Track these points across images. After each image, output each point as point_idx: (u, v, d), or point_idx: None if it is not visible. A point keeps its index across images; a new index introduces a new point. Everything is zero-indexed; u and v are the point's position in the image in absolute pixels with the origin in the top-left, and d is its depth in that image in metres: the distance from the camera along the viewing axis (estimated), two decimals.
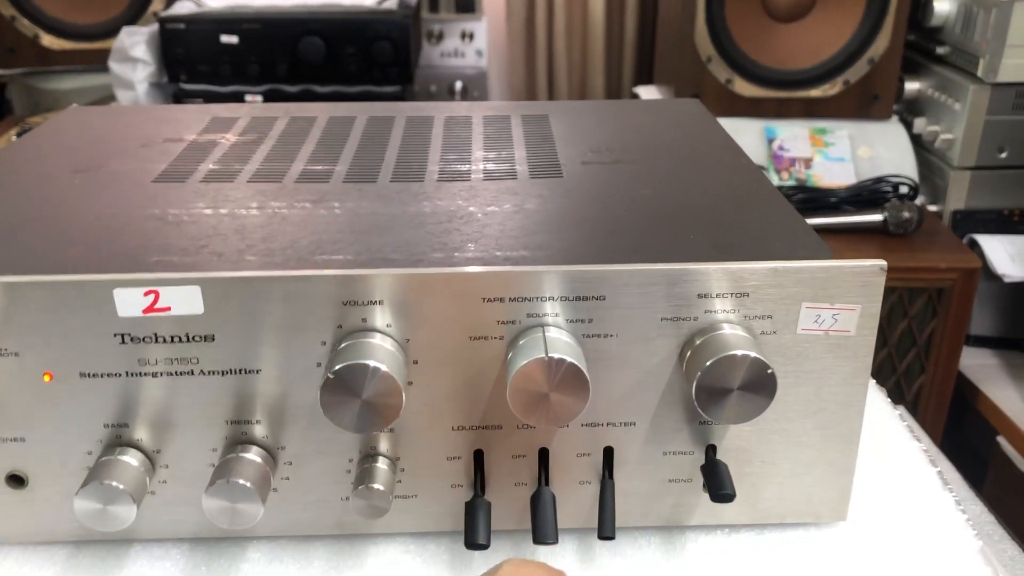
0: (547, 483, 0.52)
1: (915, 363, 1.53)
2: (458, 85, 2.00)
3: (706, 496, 0.53)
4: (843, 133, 1.80)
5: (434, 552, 0.53)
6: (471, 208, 0.57)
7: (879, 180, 1.66)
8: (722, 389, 0.46)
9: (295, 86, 1.80)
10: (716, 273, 0.47)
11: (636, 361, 0.49)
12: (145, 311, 0.47)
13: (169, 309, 0.47)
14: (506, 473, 0.52)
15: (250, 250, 0.51)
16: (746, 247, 0.51)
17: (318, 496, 0.52)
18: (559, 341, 0.47)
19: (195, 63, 1.80)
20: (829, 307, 0.48)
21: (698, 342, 0.48)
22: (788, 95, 1.79)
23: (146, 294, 0.47)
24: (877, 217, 1.56)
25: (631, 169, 0.64)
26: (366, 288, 0.47)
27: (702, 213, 0.56)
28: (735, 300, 0.48)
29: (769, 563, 0.52)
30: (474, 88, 2.00)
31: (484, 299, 0.48)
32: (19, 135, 1.83)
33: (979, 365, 1.64)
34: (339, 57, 1.79)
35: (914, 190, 1.62)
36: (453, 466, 0.52)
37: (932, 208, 1.70)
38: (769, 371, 0.46)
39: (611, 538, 0.50)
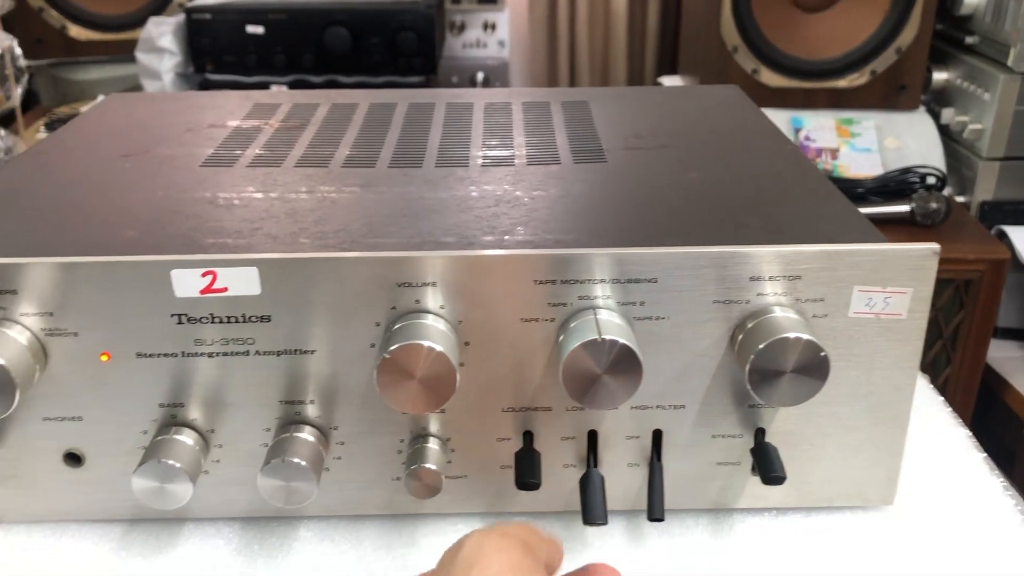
0: (596, 465, 0.52)
1: (942, 355, 1.53)
2: (480, 76, 2.00)
3: (753, 479, 0.53)
4: (870, 123, 1.79)
5: None
6: (517, 192, 0.57)
7: (906, 171, 1.65)
8: (775, 371, 0.46)
9: (320, 76, 1.81)
10: (768, 256, 0.47)
11: (686, 344, 0.49)
12: (202, 292, 0.47)
13: (226, 290, 0.47)
14: (555, 455, 0.52)
15: (303, 233, 0.51)
16: (797, 230, 0.51)
17: (370, 476, 0.52)
18: (611, 323, 0.47)
19: (221, 53, 1.81)
20: (881, 290, 0.48)
21: (750, 325, 0.48)
22: (814, 85, 1.78)
23: (204, 275, 0.47)
24: (904, 208, 1.55)
25: (675, 154, 0.64)
26: (420, 270, 0.47)
27: (750, 197, 0.56)
28: (787, 283, 0.48)
29: (816, 546, 0.52)
30: (496, 79, 2.00)
31: (536, 281, 0.48)
32: (47, 125, 1.85)
33: (1007, 357, 1.63)
34: (364, 47, 1.80)
35: (942, 181, 1.61)
36: (503, 447, 0.52)
37: (960, 199, 1.69)
38: (822, 354, 0.46)
39: (660, 520, 0.50)
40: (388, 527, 0.54)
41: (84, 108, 1.93)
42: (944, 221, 1.52)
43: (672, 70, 2.13)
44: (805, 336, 0.46)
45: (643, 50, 2.15)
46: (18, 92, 1.59)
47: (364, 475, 0.52)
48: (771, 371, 0.47)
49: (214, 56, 1.81)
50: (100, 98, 1.96)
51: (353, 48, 1.79)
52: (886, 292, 0.48)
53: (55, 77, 2.05)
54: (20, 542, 0.52)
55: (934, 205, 1.53)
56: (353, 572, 0.51)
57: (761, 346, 0.46)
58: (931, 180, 1.62)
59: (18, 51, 1.59)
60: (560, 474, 0.53)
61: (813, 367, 0.46)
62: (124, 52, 1.90)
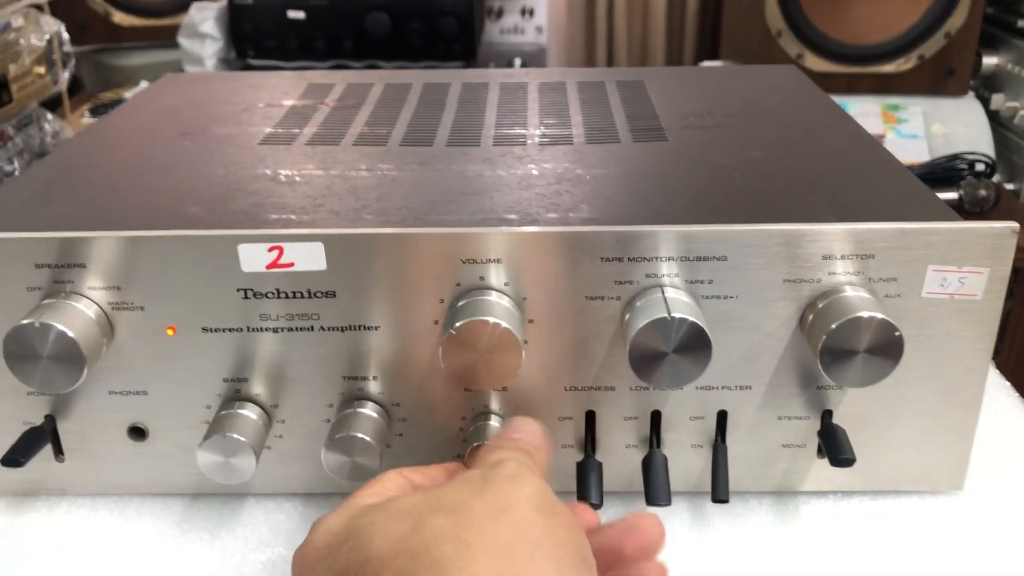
0: (659, 446, 0.52)
1: None
2: (517, 62, 1.99)
3: (819, 461, 0.52)
4: (916, 109, 1.76)
5: None
6: (578, 170, 0.57)
7: (954, 157, 1.62)
8: (848, 351, 0.46)
9: (360, 61, 1.81)
10: (841, 234, 0.46)
11: (755, 324, 0.49)
12: (268, 267, 0.47)
13: (292, 265, 0.47)
14: (617, 435, 0.52)
15: (366, 209, 0.51)
16: (867, 209, 0.50)
17: (431, 452, 0.52)
18: (679, 301, 0.46)
19: (262, 39, 1.82)
20: (956, 270, 0.47)
21: (821, 305, 0.47)
22: (860, 70, 1.75)
23: (270, 250, 0.47)
24: (952, 195, 1.53)
25: (737, 133, 0.63)
26: (484, 246, 0.47)
27: (817, 175, 0.55)
28: (859, 262, 0.47)
29: (882, 530, 0.51)
30: (533, 65, 1.99)
31: (602, 259, 0.47)
32: (91, 111, 1.86)
33: None
34: (404, 32, 1.79)
35: (991, 168, 1.58)
36: (564, 426, 0.52)
37: (1009, 187, 1.66)
38: (896, 333, 0.45)
39: (725, 501, 0.50)
40: None
41: (128, 94, 1.95)
42: (993, 209, 1.50)
43: (712, 55, 2.11)
44: (879, 315, 0.45)
45: (682, 35, 2.13)
46: (65, 76, 1.60)
47: (425, 452, 0.52)
48: (844, 351, 0.46)
49: (255, 41, 1.82)
50: (143, 84, 1.98)
51: (393, 33, 1.79)
52: (961, 272, 0.47)
53: (99, 63, 2.07)
54: (84, 514, 0.53)
55: (983, 192, 1.50)
56: None
57: (834, 326, 0.45)
58: (980, 167, 1.59)
59: (65, 36, 1.60)
60: (621, 455, 0.52)
61: (887, 347, 0.45)
62: (167, 38, 1.92)
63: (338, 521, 0.37)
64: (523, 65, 1.97)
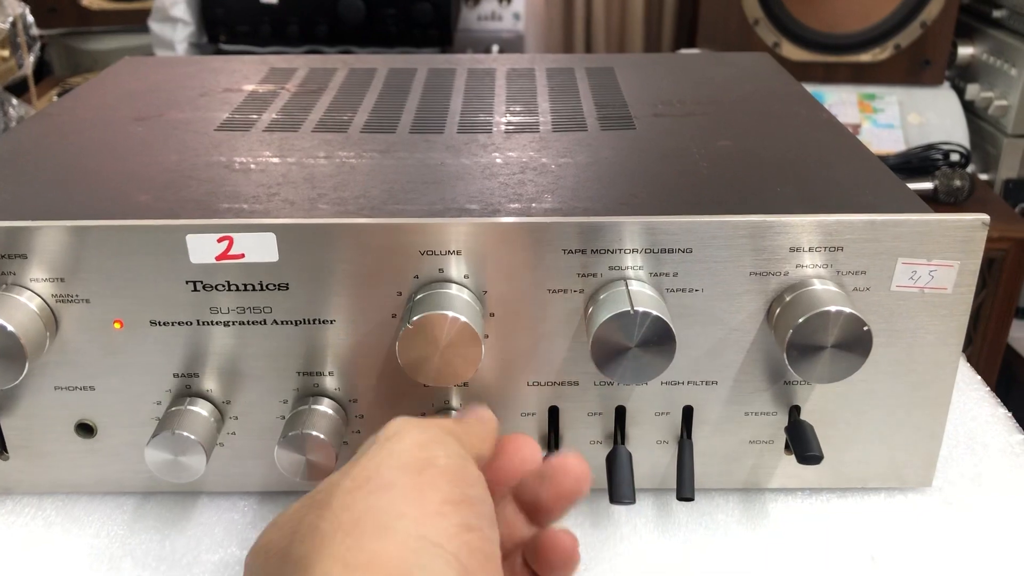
0: (623, 442, 0.50)
1: None
2: (495, 49, 1.98)
3: (786, 458, 0.51)
4: (892, 99, 1.76)
5: None
6: (544, 159, 0.55)
7: (929, 147, 1.62)
8: (815, 347, 0.44)
9: (334, 47, 1.79)
10: (809, 226, 0.45)
11: (721, 317, 0.47)
12: (218, 258, 0.46)
13: (243, 256, 0.46)
14: (581, 431, 0.51)
15: (322, 199, 0.49)
16: (836, 200, 0.49)
17: None
18: (643, 294, 0.45)
19: (234, 23, 1.79)
20: (926, 263, 0.46)
21: (788, 298, 0.46)
22: (837, 60, 1.75)
23: (220, 240, 0.45)
24: (927, 185, 1.52)
25: (706, 121, 0.62)
26: (443, 237, 0.46)
27: (786, 165, 0.54)
28: (828, 254, 0.46)
29: (851, 528, 0.50)
30: (511, 52, 1.97)
31: (564, 251, 0.46)
32: (60, 95, 1.83)
33: None
34: (379, 18, 1.77)
35: (965, 158, 1.58)
36: (527, 422, 0.50)
37: (984, 177, 1.66)
38: (865, 328, 0.44)
39: (690, 499, 0.49)
40: None
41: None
42: (968, 199, 1.50)
43: (690, 43, 2.10)
44: (847, 310, 0.44)
45: (660, 23, 2.12)
46: (30, 60, 1.57)
47: None
48: (811, 346, 0.45)
49: (227, 26, 1.79)
50: (127, 57, 1.94)
51: (367, 19, 1.76)
52: (932, 265, 0.46)
53: (68, 47, 2.03)
54: (31, 513, 0.51)
55: (958, 182, 1.50)
56: None
57: (801, 320, 0.44)
58: (955, 157, 1.59)
59: (30, 19, 1.57)
60: (585, 451, 0.51)
61: (855, 342, 0.44)
62: (137, 22, 1.88)
63: (257, 543, 0.36)
64: (501, 52, 1.95)
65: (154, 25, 1.78)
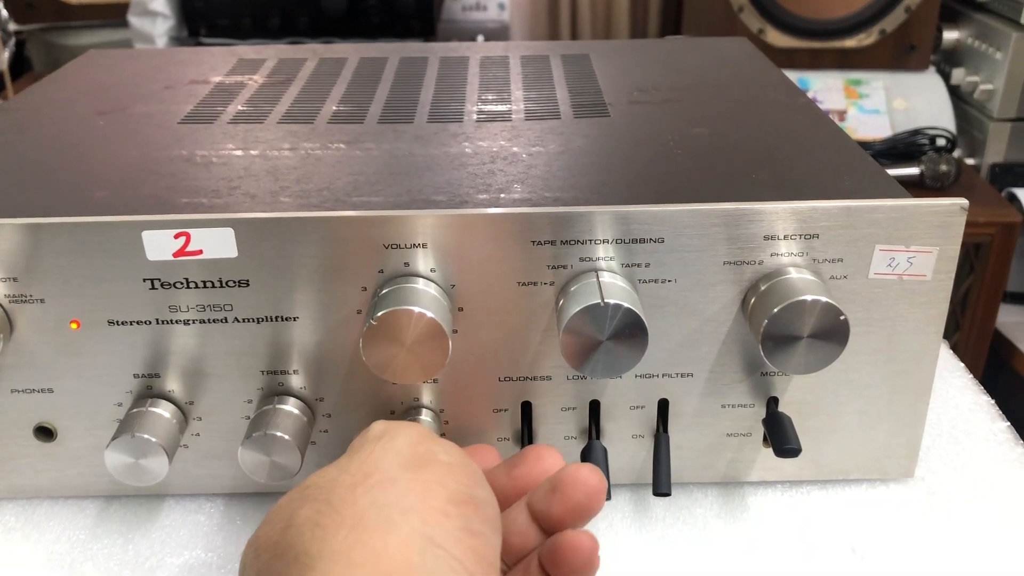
0: (598, 437, 0.49)
1: (950, 320, 1.50)
2: (480, 39, 1.96)
3: (765, 451, 0.50)
4: (878, 84, 1.75)
5: None
6: (515, 149, 0.54)
7: (915, 132, 1.61)
8: (790, 337, 0.43)
9: (316, 40, 1.77)
10: (784, 213, 0.44)
11: (695, 308, 0.46)
12: (176, 254, 0.44)
13: (201, 252, 0.44)
14: (555, 426, 0.49)
15: (284, 192, 0.48)
16: (813, 186, 0.48)
17: None
18: (614, 286, 0.44)
19: (214, 16, 1.77)
20: (904, 250, 0.45)
21: (763, 287, 0.45)
22: (822, 45, 1.74)
23: (176, 236, 0.44)
24: (913, 170, 1.51)
25: (682, 108, 0.60)
26: (409, 230, 0.44)
27: (762, 152, 0.52)
28: (804, 242, 0.45)
29: (832, 520, 0.49)
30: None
31: (534, 242, 0.45)
32: None
33: (1016, 323, 1.60)
34: (360, 9, 1.75)
35: (951, 143, 1.58)
36: (499, 419, 0.49)
37: (970, 161, 1.65)
38: (841, 317, 0.43)
39: (667, 494, 0.48)
40: None
41: None
42: (954, 184, 1.49)
43: (676, 30, 2.08)
44: (823, 299, 0.43)
45: (646, 12, 2.10)
46: (5, 56, 1.55)
47: None
48: (786, 336, 0.43)
49: (207, 19, 1.77)
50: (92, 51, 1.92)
51: (349, 10, 1.75)
52: (910, 251, 0.45)
53: (47, 42, 2.00)
54: None
55: (944, 167, 1.50)
56: None
57: (776, 310, 0.43)
58: (941, 142, 1.58)
59: (5, 14, 1.54)
60: (560, 447, 0.50)
61: (831, 332, 0.43)
62: (117, 16, 1.86)
63: (252, 536, 0.35)
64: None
65: (133, 19, 1.76)
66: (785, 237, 0.45)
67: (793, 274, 0.45)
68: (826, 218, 0.44)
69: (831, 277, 0.45)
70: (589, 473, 0.37)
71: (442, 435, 0.49)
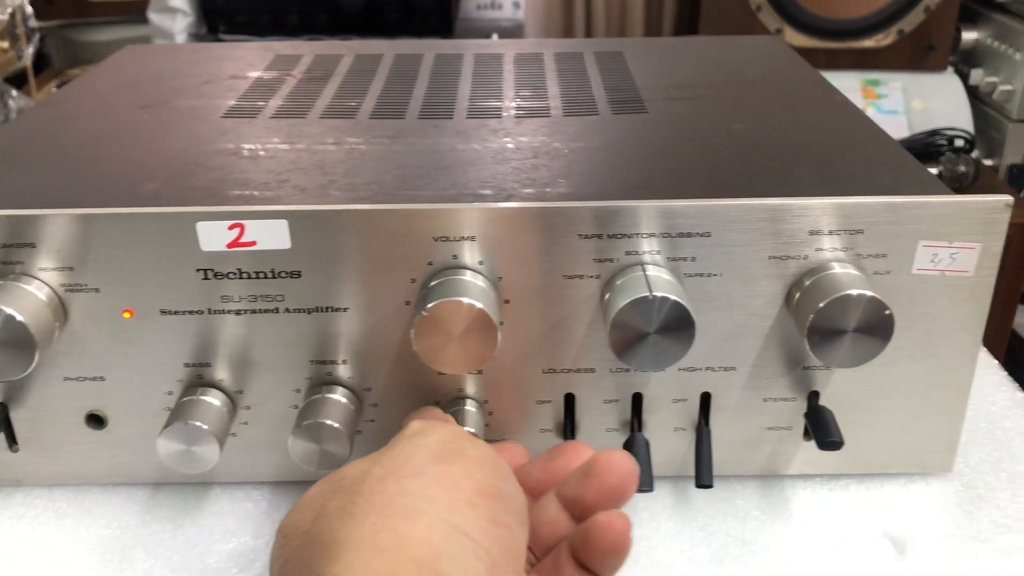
0: (640, 429, 0.50)
1: None
2: (494, 38, 1.96)
3: (805, 444, 0.51)
4: (896, 85, 1.75)
5: None
6: (556, 144, 0.54)
7: (933, 133, 1.61)
8: (836, 330, 0.44)
9: (334, 37, 1.77)
10: (829, 208, 0.45)
11: (739, 302, 0.47)
12: (229, 245, 0.45)
13: (254, 244, 0.45)
14: (597, 418, 0.50)
15: (333, 185, 0.49)
16: (855, 182, 0.48)
17: None
18: (661, 279, 0.44)
19: (233, 13, 1.78)
20: (948, 245, 0.45)
21: (807, 282, 0.45)
22: (840, 46, 1.74)
23: (231, 227, 0.45)
24: (932, 171, 1.51)
25: (719, 105, 0.61)
26: (458, 223, 0.45)
27: (803, 148, 0.53)
28: (848, 237, 0.45)
29: (870, 514, 0.49)
30: None
31: (580, 235, 0.45)
32: (59, 87, 1.82)
33: None
34: (378, 6, 1.76)
35: (970, 143, 1.58)
36: (542, 410, 0.50)
37: (988, 162, 1.65)
38: (886, 312, 0.43)
39: (709, 486, 0.48)
40: None
41: None
42: (972, 185, 1.49)
43: (691, 31, 2.08)
44: (869, 293, 0.43)
45: (661, 11, 2.10)
46: (29, 52, 1.56)
47: None
48: (832, 330, 0.44)
49: (227, 16, 1.78)
50: (131, 46, 1.93)
51: (367, 7, 1.75)
52: (953, 247, 0.45)
53: (67, 39, 2.02)
54: (41, 504, 0.50)
55: (962, 168, 1.50)
56: None
57: (822, 304, 0.43)
58: (959, 143, 1.58)
59: (29, 10, 1.55)
60: (602, 439, 0.50)
61: (876, 326, 0.44)
62: (136, 13, 1.87)
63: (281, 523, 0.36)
64: None
65: (153, 16, 1.77)
66: (830, 232, 0.45)
67: (837, 269, 0.45)
68: (871, 214, 0.45)
69: (874, 272, 0.46)
70: (623, 458, 0.38)
71: (486, 425, 0.50)
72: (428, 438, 0.37)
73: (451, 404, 0.49)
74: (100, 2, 1.96)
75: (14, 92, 1.55)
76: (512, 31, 1.95)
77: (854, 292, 0.43)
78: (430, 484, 0.34)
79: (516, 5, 1.99)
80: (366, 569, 0.30)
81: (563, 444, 0.42)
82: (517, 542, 0.35)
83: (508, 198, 0.47)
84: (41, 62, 1.97)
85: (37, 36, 1.60)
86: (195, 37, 1.79)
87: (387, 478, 0.34)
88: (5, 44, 1.52)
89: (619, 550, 0.36)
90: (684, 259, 0.46)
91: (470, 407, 0.49)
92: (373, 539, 0.31)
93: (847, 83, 1.74)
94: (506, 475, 0.37)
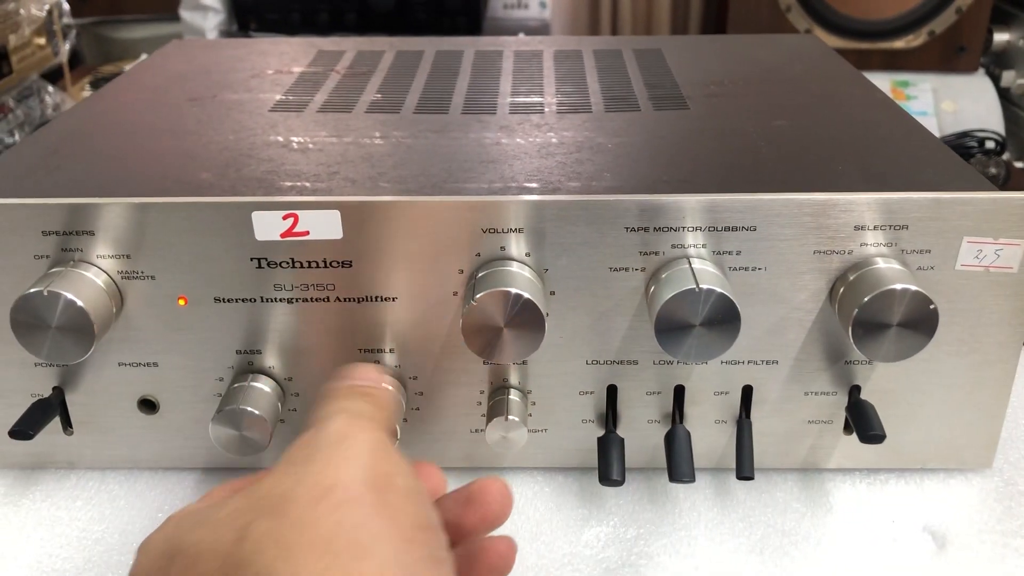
0: (681, 421, 0.50)
1: None
2: (520, 37, 1.97)
3: (845, 439, 0.51)
4: (926, 86, 1.74)
5: (563, 484, 0.52)
6: (599, 139, 0.55)
7: (964, 135, 1.61)
8: (880, 325, 0.44)
9: (363, 36, 1.79)
10: (874, 204, 0.45)
11: (783, 296, 0.47)
12: (283, 235, 0.46)
13: (308, 233, 0.46)
14: (639, 410, 0.51)
15: (382, 177, 0.50)
16: (899, 178, 0.49)
17: (448, 428, 0.51)
18: (706, 272, 0.45)
19: (264, 11, 1.79)
20: (992, 242, 0.46)
21: (852, 277, 0.46)
22: (870, 46, 1.73)
23: (285, 217, 0.46)
24: None
25: (759, 102, 0.61)
26: (505, 215, 0.46)
27: (846, 144, 0.53)
28: (892, 233, 0.46)
29: (910, 508, 0.50)
30: None
31: (626, 228, 0.46)
32: (92, 84, 1.84)
33: None
34: (408, 6, 1.77)
35: (1001, 145, 1.57)
36: (585, 401, 0.50)
37: (1019, 164, 1.64)
38: (931, 307, 0.44)
39: (750, 478, 0.49)
40: (465, 479, 0.52)
41: (128, 67, 1.92)
42: (1003, 187, 1.48)
43: (718, 30, 2.08)
44: (913, 287, 0.44)
45: (687, 10, 2.10)
46: (65, 48, 1.58)
47: (442, 426, 0.51)
48: (876, 324, 0.44)
49: (257, 14, 1.80)
50: (143, 57, 1.95)
51: (397, 6, 1.77)
52: (998, 244, 0.46)
53: (99, 35, 2.04)
54: (94, 487, 0.52)
55: (993, 170, 1.49)
56: None
57: (867, 298, 0.44)
58: (990, 144, 1.57)
59: (66, 7, 1.58)
60: (643, 430, 0.51)
61: (921, 321, 0.44)
62: (168, 10, 1.89)
63: (159, 540, 0.33)
64: None
65: (185, 13, 1.79)
66: (874, 228, 0.46)
67: (882, 264, 0.46)
68: (916, 209, 0.45)
69: (918, 268, 0.46)
70: (501, 485, 0.39)
71: (528, 415, 0.51)
72: (354, 450, 0.34)
73: (495, 393, 0.50)
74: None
75: (50, 88, 1.57)
76: (538, 30, 1.95)
77: (899, 286, 0.44)
78: (370, 516, 0.32)
79: (542, 4, 1.99)
80: None
81: (476, 484, 0.40)
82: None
83: (555, 191, 0.48)
84: (74, 58, 2.00)
85: (73, 32, 1.63)
86: (226, 34, 1.81)
87: (319, 503, 0.31)
88: (42, 40, 1.54)
89: (506, 570, 0.39)
90: (729, 253, 0.46)
91: (514, 396, 0.50)
92: None
93: (877, 83, 1.74)
94: (430, 502, 0.35)
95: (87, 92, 1.79)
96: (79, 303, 0.45)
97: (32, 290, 0.44)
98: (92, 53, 2.05)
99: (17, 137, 1.42)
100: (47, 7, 1.51)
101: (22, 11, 1.44)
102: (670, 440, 0.49)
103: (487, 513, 0.39)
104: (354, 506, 0.31)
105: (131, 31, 2.02)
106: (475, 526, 0.39)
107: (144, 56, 1.96)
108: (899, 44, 1.73)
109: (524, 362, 0.50)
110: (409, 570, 0.31)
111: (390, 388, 0.40)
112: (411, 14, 1.78)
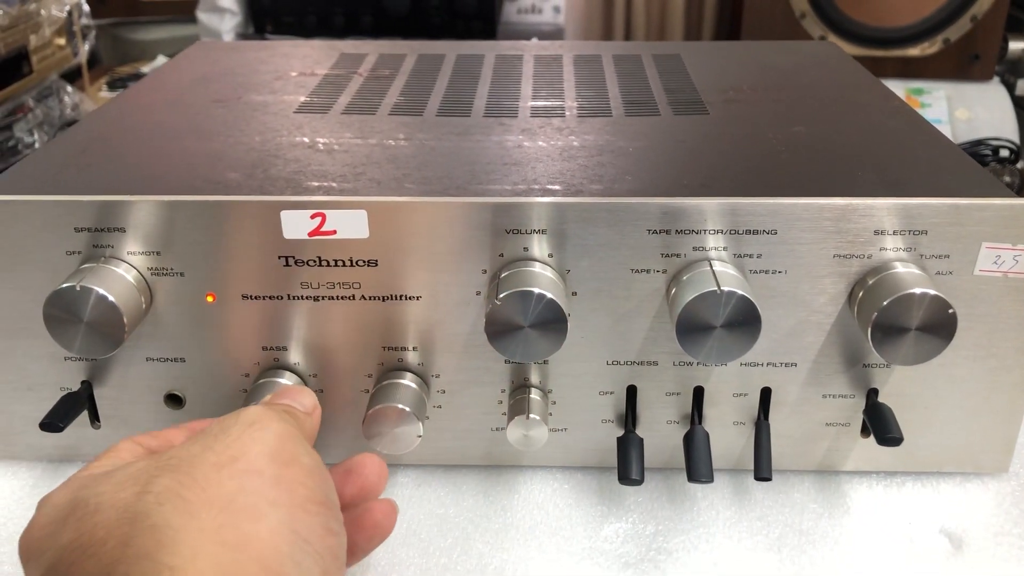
0: (700, 422, 0.51)
1: None
2: (534, 42, 1.97)
3: (862, 441, 0.52)
4: (940, 94, 1.74)
5: (582, 482, 0.52)
6: (620, 143, 0.56)
7: (978, 143, 1.61)
8: (900, 328, 0.45)
9: (379, 39, 1.80)
10: (894, 209, 0.46)
11: (803, 299, 0.48)
12: (311, 234, 0.47)
13: (335, 232, 0.47)
14: (658, 411, 0.51)
15: (407, 179, 0.50)
16: (918, 184, 0.49)
17: (469, 426, 0.52)
18: (727, 275, 0.46)
19: (281, 14, 1.81)
20: (1011, 248, 0.46)
21: (871, 281, 0.46)
22: (885, 54, 1.74)
23: (313, 216, 0.46)
24: None
25: (779, 107, 0.62)
26: (529, 216, 0.46)
27: (864, 150, 0.54)
28: (911, 238, 0.46)
29: (927, 510, 0.50)
30: None
31: (648, 230, 0.47)
32: (109, 84, 1.86)
33: None
34: (423, 9, 1.78)
35: (1015, 154, 1.57)
36: (605, 401, 0.51)
37: None
38: (950, 311, 0.44)
39: (768, 479, 0.49)
40: (485, 476, 0.53)
41: (145, 68, 1.94)
42: (1017, 195, 1.48)
43: (732, 36, 2.09)
44: (932, 292, 0.44)
45: (701, 16, 2.11)
46: (85, 49, 1.60)
47: (464, 425, 0.52)
48: (895, 328, 0.45)
49: (274, 16, 1.81)
50: (160, 58, 1.97)
51: (412, 10, 1.78)
52: (1016, 250, 0.46)
53: (116, 37, 2.06)
54: None
55: (1007, 179, 1.49)
56: (452, 516, 0.50)
57: (886, 302, 0.44)
58: (1004, 153, 1.57)
59: (86, 8, 1.59)
60: (662, 431, 0.52)
61: (940, 325, 0.45)
62: (185, 12, 1.91)
63: (63, 495, 0.34)
64: None
65: (202, 15, 1.81)
66: (894, 232, 0.46)
67: (901, 268, 0.46)
68: (935, 215, 0.46)
69: (937, 273, 0.47)
70: (377, 459, 0.43)
71: (549, 414, 0.51)
72: (265, 432, 0.36)
73: (516, 392, 0.51)
74: (150, 1, 2.00)
75: (69, 88, 1.59)
76: (552, 35, 1.96)
77: (918, 291, 0.44)
78: (268, 485, 0.34)
79: (556, 9, 2.00)
80: (210, 563, 0.30)
81: (357, 460, 0.43)
82: (344, 550, 0.37)
83: (577, 193, 0.48)
84: (91, 59, 2.01)
85: (93, 33, 1.64)
86: (242, 37, 1.83)
87: (223, 468, 0.33)
88: (62, 41, 1.55)
89: (388, 528, 0.43)
90: (750, 256, 0.47)
91: (535, 395, 0.50)
92: (218, 533, 0.31)
93: None
94: (331, 484, 0.38)
95: (104, 92, 1.81)
96: (110, 298, 0.46)
97: (65, 285, 0.45)
98: (109, 54, 2.07)
99: (36, 136, 1.44)
100: (67, 8, 1.52)
101: (43, 12, 1.45)
102: (689, 441, 0.50)
103: (365, 483, 0.42)
104: (255, 476, 0.34)
105: (148, 32, 2.04)
106: (354, 496, 0.42)
107: (161, 57, 1.98)
108: (914, 52, 1.73)
109: (545, 362, 0.50)
110: (300, 535, 0.33)
111: (312, 417, 0.43)
112: (426, 18, 1.79)
